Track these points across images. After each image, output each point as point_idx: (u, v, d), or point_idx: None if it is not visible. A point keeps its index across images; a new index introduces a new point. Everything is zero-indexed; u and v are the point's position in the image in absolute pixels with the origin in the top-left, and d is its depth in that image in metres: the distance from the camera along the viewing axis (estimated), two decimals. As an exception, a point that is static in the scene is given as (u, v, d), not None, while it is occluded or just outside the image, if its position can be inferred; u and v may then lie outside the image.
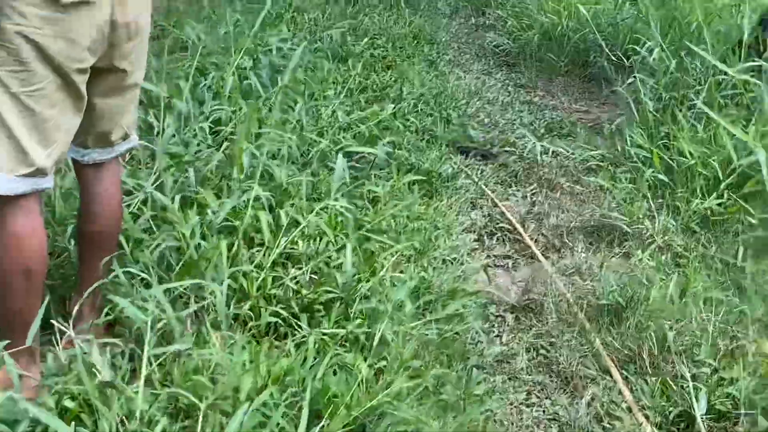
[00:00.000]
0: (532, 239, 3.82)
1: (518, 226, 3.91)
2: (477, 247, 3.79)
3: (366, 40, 6.42)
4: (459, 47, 7.33)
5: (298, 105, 4.45)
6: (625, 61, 5.64)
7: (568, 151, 4.65)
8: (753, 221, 3.63)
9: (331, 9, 6.99)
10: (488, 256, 3.73)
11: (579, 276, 3.46)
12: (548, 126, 5.33)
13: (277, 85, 4.56)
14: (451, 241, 3.71)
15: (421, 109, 5.20)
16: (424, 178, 4.16)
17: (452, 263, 3.53)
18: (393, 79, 5.76)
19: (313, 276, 3.05)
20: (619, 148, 4.51)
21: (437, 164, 4.34)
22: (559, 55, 6.72)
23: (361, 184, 3.89)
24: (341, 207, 3.23)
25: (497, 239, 3.88)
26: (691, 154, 4.09)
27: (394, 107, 4.80)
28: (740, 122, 4.21)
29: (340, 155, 3.58)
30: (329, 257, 3.13)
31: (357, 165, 4.17)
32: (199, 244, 2.96)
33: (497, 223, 3.98)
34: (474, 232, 3.91)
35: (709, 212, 3.77)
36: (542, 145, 4.71)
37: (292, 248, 3.11)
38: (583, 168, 4.52)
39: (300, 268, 3.03)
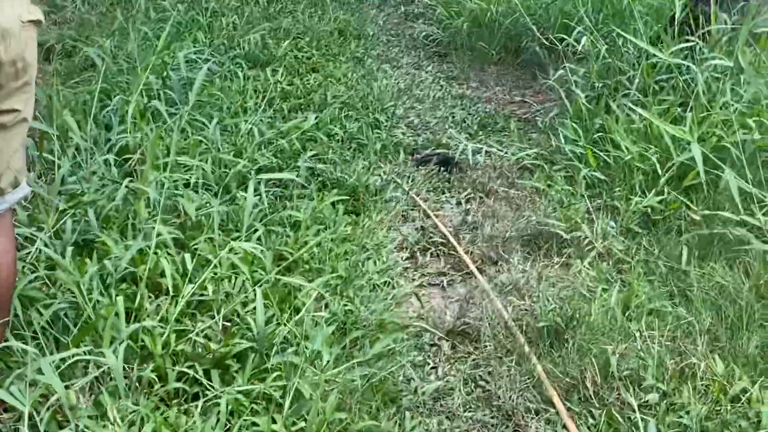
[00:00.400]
0: (467, 252, 3.60)
1: (452, 239, 3.69)
2: (410, 265, 3.56)
3: (288, 41, 6.14)
4: (388, 40, 7.06)
5: (213, 122, 4.17)
6: (558, 45, 5.43)
7: (502, 151, 4.43)
8: (695, 217, 3.44)
9: (251, 10, 6.68)
10: (422, 275, 3.51)
11: (517, 293, 3.25)
12: (481, 122, 5.10)
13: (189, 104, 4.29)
14: (381, 263, 3.48)
15: (348, 115, 4.94)
16: (350, 195, 3.92)
17: (382, 288, 3.30)
18: (318, 82, 5.50)
19: (226, 324, 2.80)
20: (553, 145, 4.30)
21: (365, 176, 4.09)
22: (490, 42, 6.49)
23: (282, 207, 3.64)
24: (252, 247, 2.97)
25: (431, 255, 3.65)
26: (627, 149, 3.89)
27: (317, 118, 4.53)
28: (676, 110, 4.02)
29: (251, 185, 3.31)
30: (245, 299, 2.89)
31: (277, 185, 3.91)
32: (97, 301, 2.69)
33: (430, 237, 3.76)
34: (406, 249, 3.68)
35: (649, 210, 3.58)
36: (475, 146, 4.47)
37: (202, 294, 2.85)
38: (518, 168, 4.31)
39: (212, 316, 2.78)
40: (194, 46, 5.29)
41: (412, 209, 4.03)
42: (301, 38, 6.45)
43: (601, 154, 3.96)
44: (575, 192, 3.81)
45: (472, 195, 4.14)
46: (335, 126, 4.69)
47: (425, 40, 6.97)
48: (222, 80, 5.08)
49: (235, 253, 3.04)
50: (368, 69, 6.03)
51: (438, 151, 4.64)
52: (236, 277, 3.02)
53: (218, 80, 5.07)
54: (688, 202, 3.50)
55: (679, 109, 4.09)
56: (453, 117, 5.23)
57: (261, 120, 4.59)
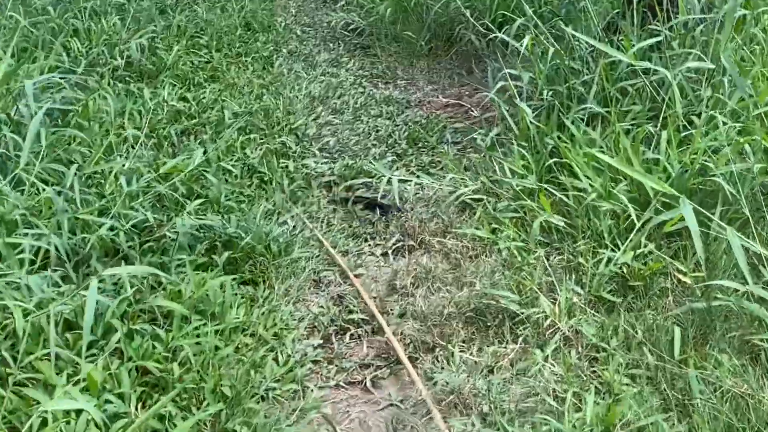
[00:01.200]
0: (396, 334, 2.80)
1: (378, 314, 2.89)
2: (323, 358, 2.75)
3: (183, 42, 5.23)
4: (302, 32, 6.18)
5: (72, 170, 3.29)
6: (497, 33, 4.63)
7: (435, 184, 3.62)
8: (687, 281, 2.68)
9: (138, 6, 5.72)
10: (339, 369, 2.70)
11: (462, 405, 2.46)
12: (411, 137, 4.28)
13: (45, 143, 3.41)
14: (285, 358, 2.67)
15: (249, 138, 4.09)
16: (247, 256, 3.09)
17: (282, 404, 2.49)
18: (215, 95, 4.62)
19: None
20: (497, 174, 3.49)
21: (267, 227, 3.26)
22: (418, 31, 5.66)
23: (152, 289, 2.80)
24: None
25: (351, 338, 2.85)
26: (590, 182, 3.11)
27: (206, 153, 3.67)
28: (646, 129, 3.25)
29: (93, 282, 2.45)
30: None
31: (152, 251, 3.06)
32: None
33: (350, 311, 2.95)
34: (318, 331, 2.87)
35: (624, 271, 2.81)
36: (404, 177, 3.65)
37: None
38: (456, 205, 3.49)
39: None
40: (58, 62, 4.35)
41: (328, 269, 3.21)
42: (200, 36, 5.55)
43: (557, 193, 3.17)
44: (527, 246, 3.02)
45: (402, 244, 3.34)
46: (232, 157, 3.83)
47: (345, 30, 6.12)
48: (95, 104, 4.17)
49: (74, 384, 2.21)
50: (277, 72, 5.16)
51: (360, 182, 3.82)
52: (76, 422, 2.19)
53: (91, 104, 4.16)
54: (676, 262, 2.74)
55: (649, 126, 3.32)
56: (377, 131, 4.40)
57: (140, 156, 3.73)
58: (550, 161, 3.38)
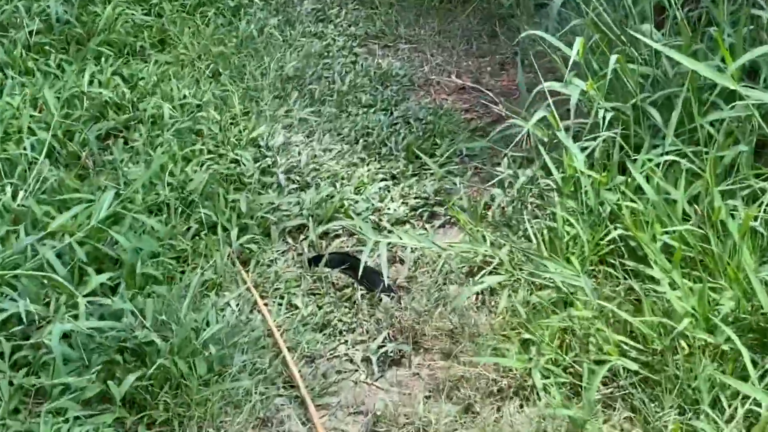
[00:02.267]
0: None
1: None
2: None
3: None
4: (283, -30, 4.98)
5: None
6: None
7: (435, 247, 2.54)
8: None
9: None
10: None
11: None
12: (412, 147, 3.19)
13: None
14: None
15: (193, 151, 3.02)
16: (162, 378, 2.09)
17: None
18: (158, 75, 3.51)
19: None
20: (531, 235, 2.43)
21: (201, 314, 2.26)
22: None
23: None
24: None
25: None
26: (670, 279, 2.07)
27: (118, 196, 2.60)
28: (763, 208, 2.18)
29: None
30: None
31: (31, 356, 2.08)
32: None
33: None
34: None
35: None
36: (392, 242, 2.57)
37: None
38: (467, 272, 2.45)
39: None
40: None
41: (282, 393, 2.20)
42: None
43: (625, 310, 2.11)
44: (581, 406, 1.98)
45: (392, 347, 2.31)
46: (165, 186, 2.77)
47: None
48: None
49: None
50: (245, 34, 4.01)
51: (339, 225, 2.77)
52: None
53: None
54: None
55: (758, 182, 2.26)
56: (367, 135, 3.31)
57: (38, 185, 2.70)
58: (612, 232, 2.31)
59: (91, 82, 3.40)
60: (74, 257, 2.39)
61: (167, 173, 2.88)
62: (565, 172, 2.44)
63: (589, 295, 2.04)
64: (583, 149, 2.50)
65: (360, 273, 2.48)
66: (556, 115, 2.53)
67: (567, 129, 2.59)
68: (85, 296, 2.30)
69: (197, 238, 2.67)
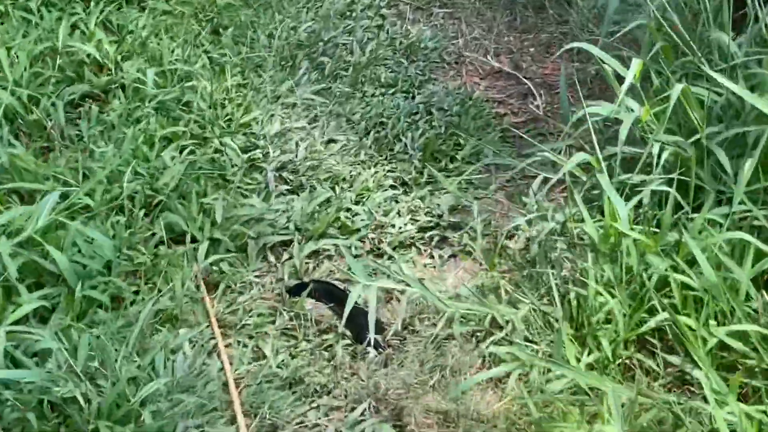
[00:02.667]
0: None
1: None
2: None
3: None
4: None
5: None
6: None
7: (444, 304, 2.08)
8: None
9: None
10: None
11: None
12: (430, 147, 2.72)
13: None
14: None
15: (176, 131, 2.58)
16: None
17: None
18: (151, 27, 3.05)
19: None
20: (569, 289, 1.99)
21: (146, 359, 1.86)
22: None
23: None
24: None
25: None
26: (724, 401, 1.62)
27: (65, 200, 2.18)
28: None
29: None
30: None
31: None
32: None
33: None
34: None
35: None
36: (385, 287, 2.11)
37: None
38: (473, 355, 2.01)
39: None
40: None
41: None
42: None
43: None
44: None
45: (372, 422, 1.89)
46: (123, 185, 2.34)
47: None
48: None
49: None
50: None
51: (329, 244, 2.33)
52: None
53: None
54: None
55: None
56: (380, 126, 2.84)
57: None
58: (656, 315, 1.85)
59: (72, 33, 2.95)
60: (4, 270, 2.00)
61: (141, 158, 2.46)
62: (605, 229, 1.97)
63: (614, 415, 1.59)
64: (628, 197, 2.02)
65: (346, 314, 2.05)
66: (600, 156, 2.04)
67: (611, 159, 2.11)
68: (10, 324, 1.92)
69: (160, 247, 2.25)
